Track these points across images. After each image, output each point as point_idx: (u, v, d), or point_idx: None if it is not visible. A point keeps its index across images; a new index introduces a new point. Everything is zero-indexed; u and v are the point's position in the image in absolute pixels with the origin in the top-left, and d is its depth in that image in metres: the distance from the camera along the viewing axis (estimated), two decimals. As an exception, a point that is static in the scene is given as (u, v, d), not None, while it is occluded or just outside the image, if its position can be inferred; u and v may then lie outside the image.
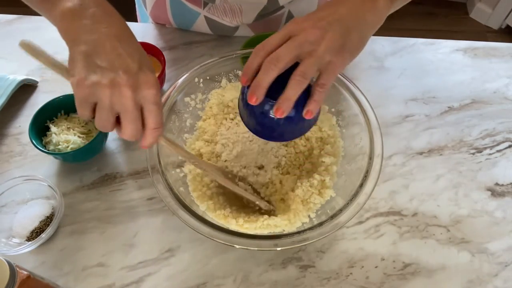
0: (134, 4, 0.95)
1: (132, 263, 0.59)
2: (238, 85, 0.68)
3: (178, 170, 0.60)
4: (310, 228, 0.51)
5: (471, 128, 0.73)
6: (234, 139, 0.64)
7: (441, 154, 0.70)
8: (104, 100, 0.42)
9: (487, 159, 0.69)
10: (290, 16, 0.81)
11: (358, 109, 0.60)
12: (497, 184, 0.67)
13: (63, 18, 0.44)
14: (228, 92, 0.68)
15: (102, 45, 0.42)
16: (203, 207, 0.57)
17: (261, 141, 0.63)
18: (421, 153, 0.70)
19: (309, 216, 0.57)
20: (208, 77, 0.66)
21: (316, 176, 0.60)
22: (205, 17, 0.79)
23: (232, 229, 0.52)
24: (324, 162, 0.61)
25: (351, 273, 0.58)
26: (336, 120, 0.65)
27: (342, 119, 0.65)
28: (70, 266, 0.59)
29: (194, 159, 0.56)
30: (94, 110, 0.44)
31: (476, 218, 0.63)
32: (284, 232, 0.54)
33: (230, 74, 0.67)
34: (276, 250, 0.53)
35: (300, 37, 0.44)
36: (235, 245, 0.49)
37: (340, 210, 0.52)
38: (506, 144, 0.71)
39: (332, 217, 0.51)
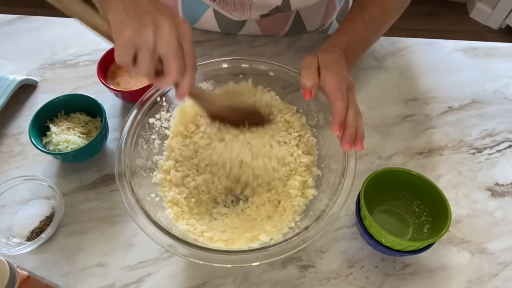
0: None
1: (132, 263, 0.59)
2: None
3: (153, 195, 0.59)
4: (297, 234, 0.50)
5: (471, 128, 0.73)
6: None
7: (441, 154, 0.70)
8: (148, 41, 0.45)
9: (487, 159, 0.69)
10: (298, 16, 0.81)
11: (324, 108, 0.61)
12: (497, 184, 0.66)
13: None
14: (189, 108, 0.66)
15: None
16: (181, 226, 0.56)
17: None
18: (421, 153, 0.70)
19: (294, 219, 0.57)
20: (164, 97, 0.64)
21: (297, 177, 0.60)
22: (214, 10, 0.80)
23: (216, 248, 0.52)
24: (302, 162, 0.62)
25: (351, 273, 0.58)
26: (306, 120, 0.66)
27: (311, 119, 0.65)
28: (70, 266, 0.59)
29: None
30: (134, 58, 0.46)
31: (476, 218, 0.63)
32: (271, 243, 0.52)
33: None
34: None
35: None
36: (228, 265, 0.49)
37: (323, 211, 0.52)
38: (506, 144, 0.71)
39: (317, 219, 0.51)
